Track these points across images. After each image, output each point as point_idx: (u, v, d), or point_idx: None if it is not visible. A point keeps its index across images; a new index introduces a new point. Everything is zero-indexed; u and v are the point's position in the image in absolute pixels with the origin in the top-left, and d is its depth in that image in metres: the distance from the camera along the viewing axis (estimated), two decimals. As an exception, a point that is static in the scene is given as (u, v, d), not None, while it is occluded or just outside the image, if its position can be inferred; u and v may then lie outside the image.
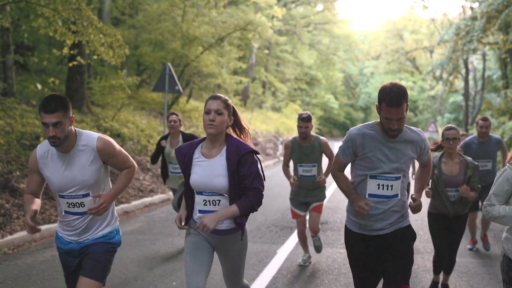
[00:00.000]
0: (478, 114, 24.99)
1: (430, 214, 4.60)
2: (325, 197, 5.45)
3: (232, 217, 2.81)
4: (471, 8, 26.56)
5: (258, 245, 6.34)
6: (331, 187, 10.63)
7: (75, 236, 3.03)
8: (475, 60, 30.01)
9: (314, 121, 25.61)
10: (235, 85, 22.06)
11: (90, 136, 2.96)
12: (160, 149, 6.15)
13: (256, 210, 2.87)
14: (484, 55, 27.69)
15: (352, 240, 3.15)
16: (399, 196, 3.02)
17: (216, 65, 18.75)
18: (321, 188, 5.36)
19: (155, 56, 17.31)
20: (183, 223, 2.95)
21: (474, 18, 20.08)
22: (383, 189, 2.98)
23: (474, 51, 22.29)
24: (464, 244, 6.41)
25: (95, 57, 10.57)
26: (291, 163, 5.49)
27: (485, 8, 18.51)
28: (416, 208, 3.12)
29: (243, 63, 22.56)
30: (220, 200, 2.86)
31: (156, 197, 9.88)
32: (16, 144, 8.34)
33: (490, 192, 2.99)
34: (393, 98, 2.81)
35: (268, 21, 21.53)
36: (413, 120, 40.01)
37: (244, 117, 22.70)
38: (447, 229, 4.51)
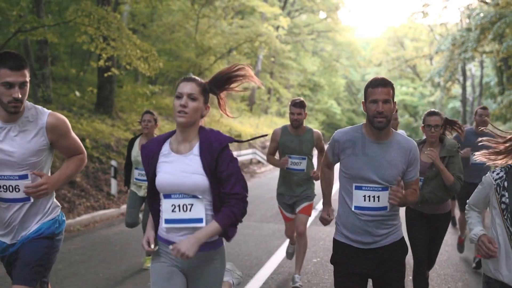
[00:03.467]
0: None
1: (408, 211, 4.20)
2: (314, 195, 5.01)
3: (213, 236, 2.39)
4: (469, 16, 28.26)
5: (279, 225, 7.92)
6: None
7: (8, 236, 2.66)
8: (473, 67, 31.67)
9: (316, 126, 27.17)
10: (242, 91, 23.72)
11: (41, 110, 2.65)
12: (129, 155, 5.56)
13: (241, 222, 2.46)
14: (481, 62, 29.38)
15: (343, 252, 2.98)
16: (388, 209, 2.88)
17: (228, 73, 20.43)
18: (309, 184, 4.96)
19: (171, 65, 18.96)
20: (152, 246, 2.46)
21: (469, 29, 21.73)
22: (369, 200, 2.84)
23: (472, 58, 23.93)
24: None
25: (128, 66, 12.20)
26: (282, 162, 4.97)
27: (479, 20, 20.19)
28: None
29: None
30: (192, 205, 2.40)
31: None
32: (67, 144, 9.94)
33: (468, 201, 2.88)
34: (378, 80, 2.82)
35: (274, 31, 23.27)
36: (414, 125, 41.72)
37: (252, 122, 24.42)
38: (427, 229, 4.10)
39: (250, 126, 23.04)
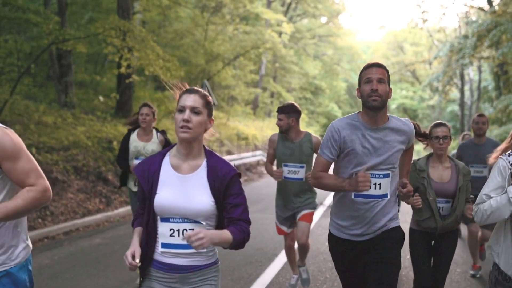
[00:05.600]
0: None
1: (412, 232, 3.95)
2: (315, 206, 4.80)
3: (221, 244, 2.25)
4: (467, 23, 29.57)
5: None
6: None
7: None
8: (471, 72, 32.96)
9: (317, 128, 28.52)
10: (246, 95, 25.04)
11: None
12: (125, 147, 5.33)
13: (243, 247, 2.34)
14: (479, 67, 30.66)
15: (337, 245, 3.02)
16: (388, 196, 2.88)
17: (234, 78, 21.71)
18: (310, 194, 4.72)
19: (182, 71, 20.22)
20: (137, 260, 2.20)
21: (466, 37, 23.00)
22: (370, 188, 2.78)
23: (471, 63, 25.21)
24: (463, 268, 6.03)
25: (147, 72, 13.39)
26: (275, 174, 4.74)
27: (476, 28, 21.46)
28: (407, 195, 2.99)
29: (255, 75, 25.56)
30: (193, 230, 2.26)
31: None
32: (97, 146, 11.10)
33: (481, 193, 2.67)
34: (372, 62, 2.87)
35: (277, 37, 24.57)
36: (413, 128, 42.99)
37: (256, 125, 25.64)
38: (433, 250, 3.91)
39: (255, 129, 24.24)
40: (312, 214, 4.75)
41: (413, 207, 3.73)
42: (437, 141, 3.81)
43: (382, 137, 2.86)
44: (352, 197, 2.87)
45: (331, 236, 3.07)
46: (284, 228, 4.81)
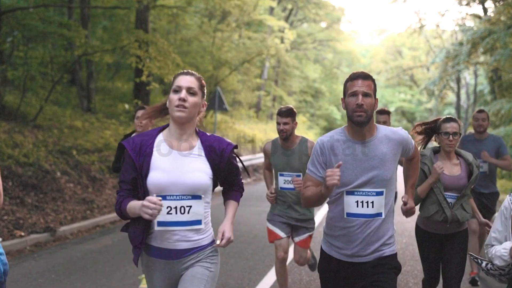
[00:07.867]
0: (469, 127, 29.39)
1: (418, 230, 3.90)
2: (314, 225, 4.60)
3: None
4: (462, 31, 31.10)
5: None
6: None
7: None
8: (467, 76, 34.47)
9: (317, 131, 30.42)
10: (250, 99, 26.50)
11: None
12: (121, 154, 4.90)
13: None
14: (475, 71, 32.18)
15: (328, 264, 2.90)
16: (383, 216, 2.74)
17: (240, 83, 23.18)
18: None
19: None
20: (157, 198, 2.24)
21: (461, 44, 24.51)
22: (362, 206, 2.72)
23: (467, 68, 26.70)
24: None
25: (166, 80, 14.72)
26: (269, 199, 4.66)
27: (470, 36, 22.95)
28: (409, 212, 2.95)
29: (259, 79, 27.04)
30: (191, 207, 2.34)
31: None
32: (124, 148, 12.42)
33: (490, 233, 2.77)
34: (357, 73, 2.74)
35: (280, 42, 26.06)
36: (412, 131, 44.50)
37: (260, 127, 27.06)
38: (442, 251, 3.79)
39: (259, 132, 25.63)
40: (310, 237, 4.64)
41: (421, 204, 3.77)
42: (446, 137, 3.67)
43: (370, 151, 2.75)
44: (345, 216, 2.77)
45: (323, 254, 2.96)
46: (279, 231, 4.55)
